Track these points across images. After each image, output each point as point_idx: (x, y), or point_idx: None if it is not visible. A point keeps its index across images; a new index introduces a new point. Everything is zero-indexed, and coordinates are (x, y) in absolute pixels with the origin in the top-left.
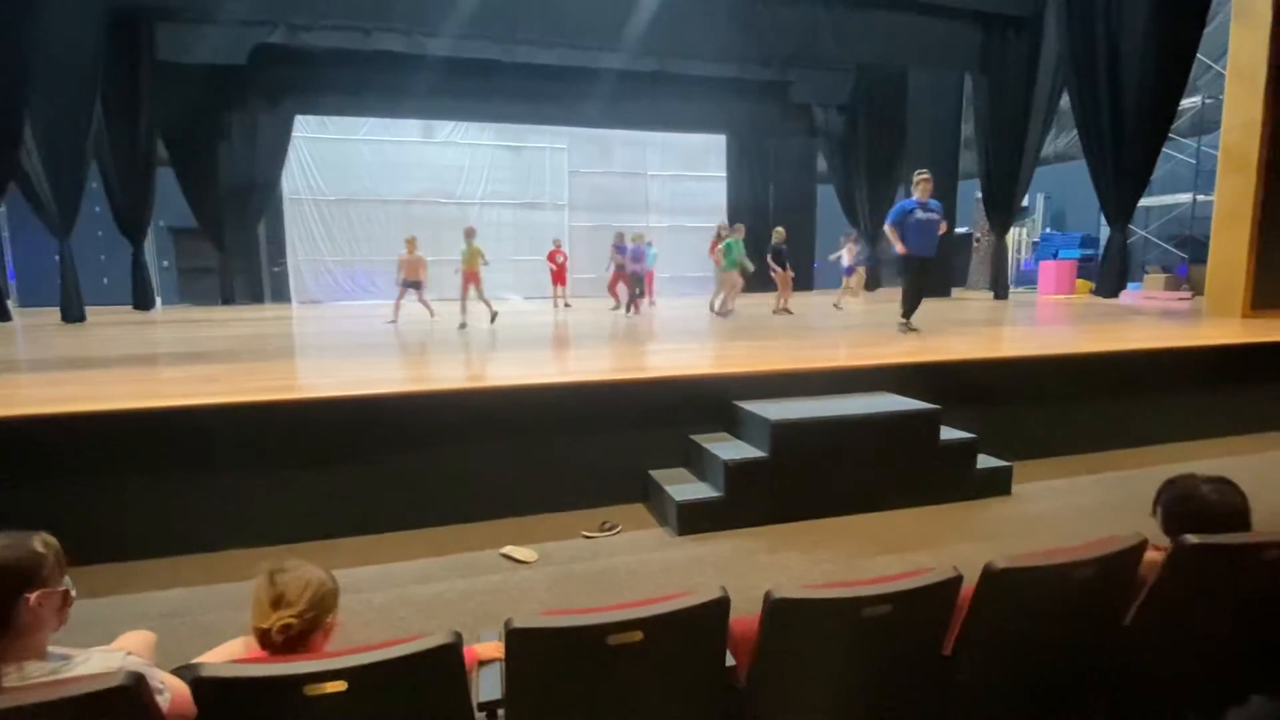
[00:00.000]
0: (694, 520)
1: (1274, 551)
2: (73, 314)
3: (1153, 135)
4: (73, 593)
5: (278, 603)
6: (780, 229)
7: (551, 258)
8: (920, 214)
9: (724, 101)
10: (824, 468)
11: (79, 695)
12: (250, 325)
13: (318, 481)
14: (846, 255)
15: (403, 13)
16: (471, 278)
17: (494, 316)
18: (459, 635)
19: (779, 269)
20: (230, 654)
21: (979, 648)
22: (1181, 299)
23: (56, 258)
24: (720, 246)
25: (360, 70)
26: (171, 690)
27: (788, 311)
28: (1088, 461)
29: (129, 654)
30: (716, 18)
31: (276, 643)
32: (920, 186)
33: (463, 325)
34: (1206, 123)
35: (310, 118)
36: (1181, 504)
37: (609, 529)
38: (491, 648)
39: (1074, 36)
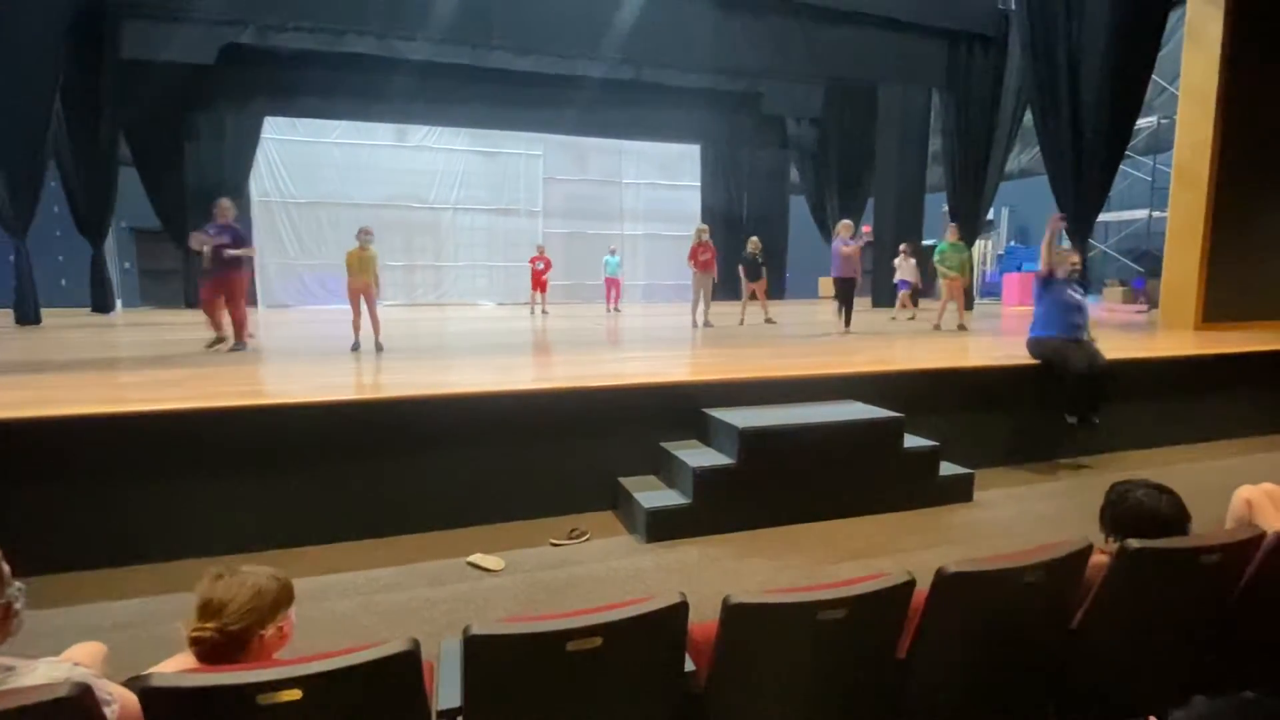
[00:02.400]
0: (663, 527)
1: (1212, 556)
2: (28, 316)
3: (1111, 153)
4: (17, 604)
5: (203, 610)
6: (755, 239)
7: (532, 263)
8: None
9: (698, 111)
10: (791, 475)
11: (23, 707)
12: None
13: (281, 489)
14: (900, 269)
15: (376, 16)
16: (363, 291)
17: (379, 347)
18: (417, 643)
19: (751, 280)
20: (184, 665)
21: (932, 650)
22: (1137, 312)
23: (11, 258)
24: (936, 256)
25: (332, 73)
26: (120, 701)
27: (771, 321)
28: (1047, 469)
29: (76, 665)
30: (691, 29)
31: (196, 652)
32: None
33: (356, 346)
34: (1161, 142)
35: (280, 119)
36: (1119, 509)
37: (577, 537)
38: None
39: (1037, 56)
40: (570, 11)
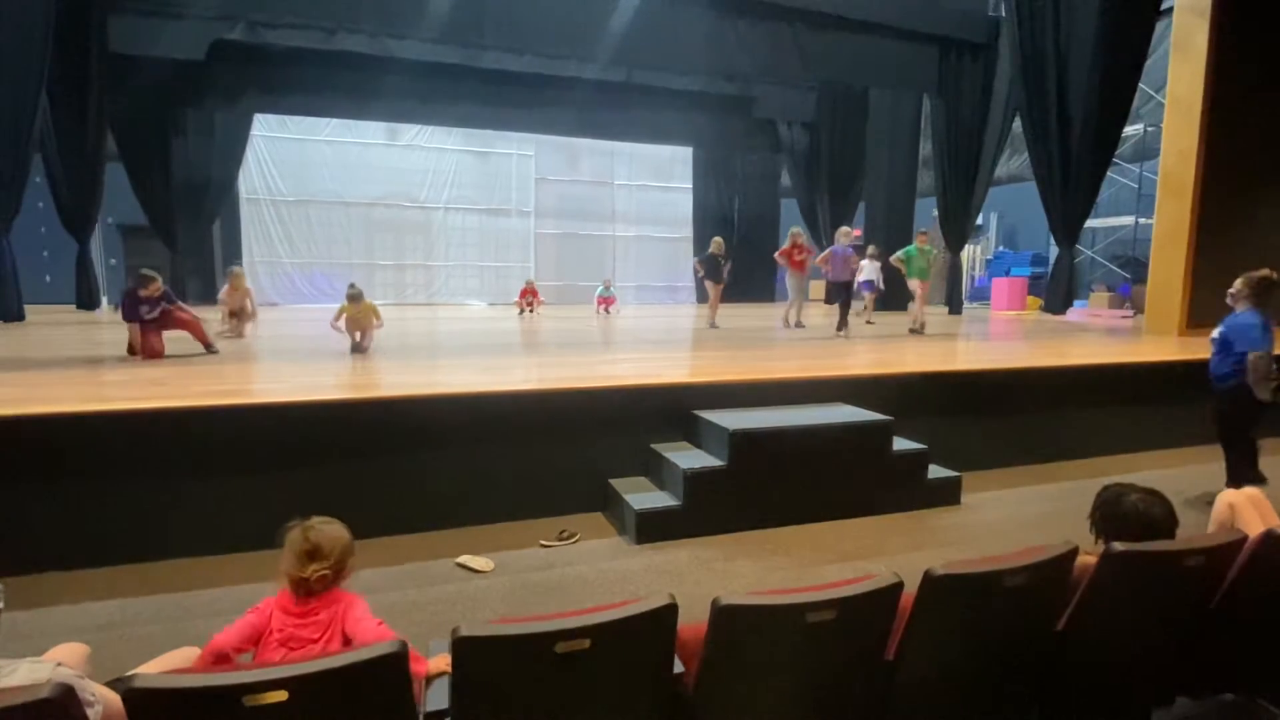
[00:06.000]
0: (652, 529)
1: (1195, 559)
2: (11, 313)
3: (1098, 160)
4: (1, 604)
5: (314, 554)
6: (718, 239)
7: (523, 295)
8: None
9: (691, 114)
10: (781, 477)
11: (4, 708)
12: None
13: (266, 489)
14: (864, 270)
15: (368, 14)
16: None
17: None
18: (404, 644)
19: (710, 281)
20: (169, 666)
21: (920, 651)
22: (1124, 317)
23: None
24: (900, 255)
25: (323, 70)
26: (103, 703)
27: (712, 325)
28: (1033, 473)
29: (59, 665)
30: (684, 32)
31: (316, 590)
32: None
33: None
34: (1148, 150)
35: (270, 116)
36: (1112, 512)
37: (567, 538)
38: (442, 661)
39: (1026, 64)
40: (563, 12)
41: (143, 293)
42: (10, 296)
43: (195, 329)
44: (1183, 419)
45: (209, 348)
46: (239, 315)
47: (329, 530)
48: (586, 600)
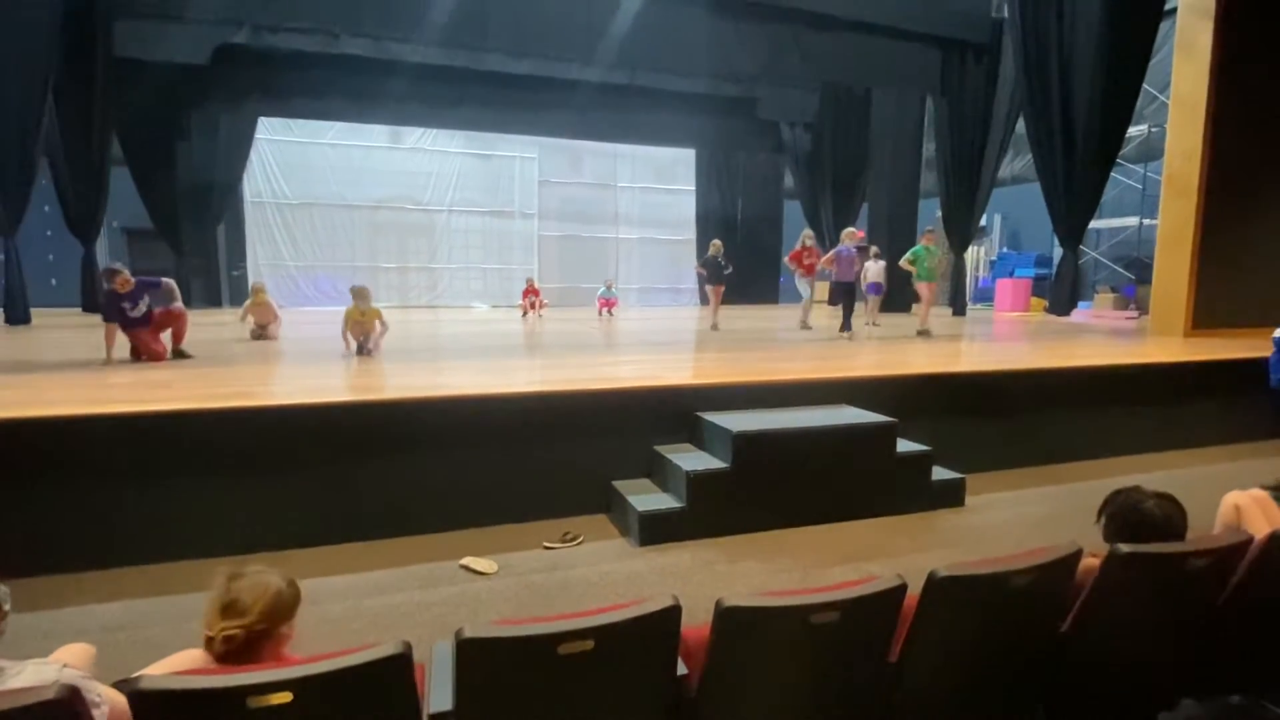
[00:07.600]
0: (656, 531)
1: (1200, 560)
2: (17, 315)
3: (1102, 161)
4: (6, 606)
5: (228, 610)
6: (717, 241)
7: (525, 295)
8: None
9: (693, 116)
10: (784, 478)
11: (10, 709)
12: (206, 330)
13: (271, 492)
14: (869, 273)
15: (372, 17)
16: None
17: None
18: (409, 645)
19: (711, 284)
20: (176, 667)
21: (923, 653)
22: (1128, 318)
23: (1, 256)
24: (909, 256)
25: (327, 74)
26: (109, 703)
27: (714, 328)
28: (1037, 474)
29: (65, 666)
30: (686, 33)
31: (220, 652)
32: None
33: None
34: (1152, 150)
35: (274, 120)
36: (1125, 515)
37: (570, 540)
38: None
39: (1029, 65)
40: (566, 15)
41: (118, 288)
42: (17, 299)
43: (180, 323)
44: (1188, 420)
45: (179, 351)
46: (265, 329)
47: (258, 580)
48: (590, 602)
